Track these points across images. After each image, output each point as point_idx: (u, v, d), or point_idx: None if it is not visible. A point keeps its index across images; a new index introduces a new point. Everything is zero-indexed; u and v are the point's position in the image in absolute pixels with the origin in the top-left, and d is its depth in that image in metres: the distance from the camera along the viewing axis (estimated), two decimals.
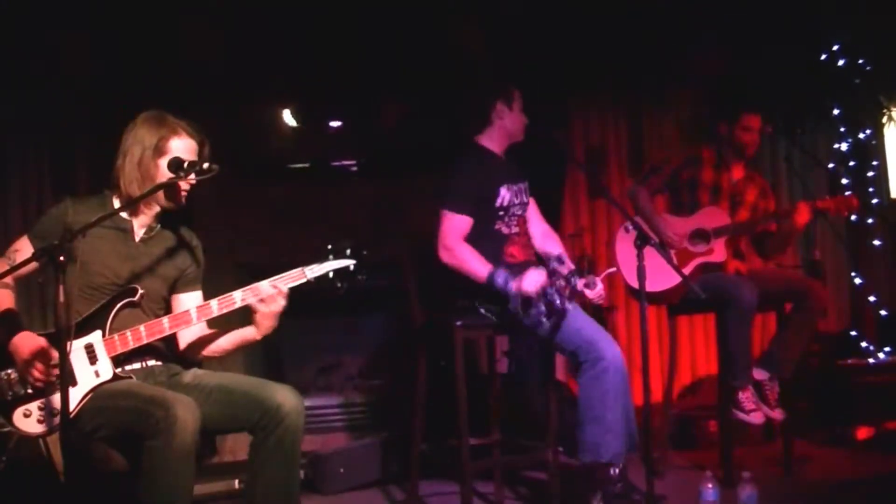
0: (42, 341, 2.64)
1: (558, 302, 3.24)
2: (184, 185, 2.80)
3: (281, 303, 2.71)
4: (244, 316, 2.82)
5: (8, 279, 2.81)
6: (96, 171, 2.89)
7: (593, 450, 3.32)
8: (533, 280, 3.30)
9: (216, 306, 2.73)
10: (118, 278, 2.79)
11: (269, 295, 2.69)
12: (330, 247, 2.72)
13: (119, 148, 2.82)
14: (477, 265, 3.41)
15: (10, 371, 2.67)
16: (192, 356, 2.95)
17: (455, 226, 3.47)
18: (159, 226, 2.91)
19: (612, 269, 3.93)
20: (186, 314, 2.75)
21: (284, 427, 2.68)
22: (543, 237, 3.78)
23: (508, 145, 3.70)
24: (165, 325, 2.74)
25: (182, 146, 2.79)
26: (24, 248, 2.79)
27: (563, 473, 3.62)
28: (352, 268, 2.72)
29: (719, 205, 4.17)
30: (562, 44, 5.19)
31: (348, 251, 2.72)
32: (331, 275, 2.71)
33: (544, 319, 3.30)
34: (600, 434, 3.30)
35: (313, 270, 2.70)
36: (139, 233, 2.87)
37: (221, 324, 2.89)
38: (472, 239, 3.49)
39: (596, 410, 3.31)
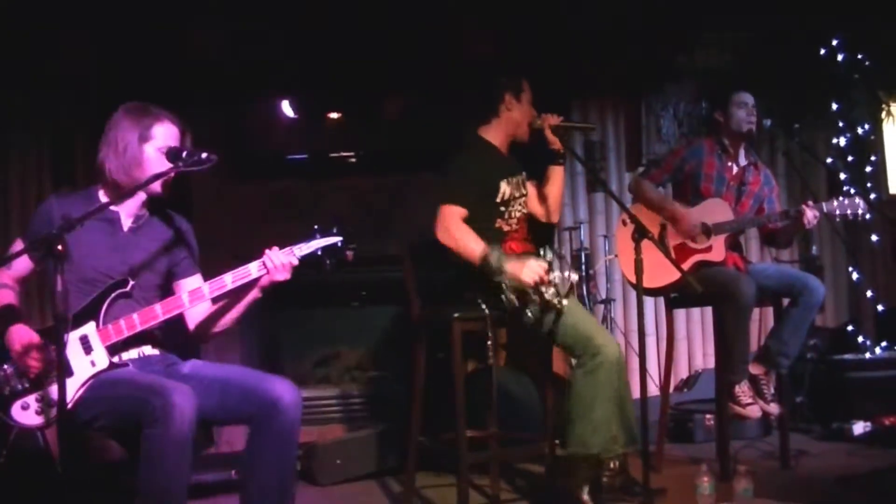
0: (34, 334, 2.65)
1: (554, 298, 3.24)
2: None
3: (286, 274, 2.74)
4: None
5: (10, 281, 2.82)
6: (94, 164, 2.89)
7: (580, 443, 3.32)
8: (531, 271, 3.30)
9: (207, 290, 2.74)
10: (109, 270, 2.78)
11: (281, 263, 2.72)
12: (316, 227, 2.78)
13: (102, 140, 2.82)
14: (472, 244, 3.38)
15: (6, 367, 2.67)
16: (203, 335, 2.96)
17: (452, 213, 3.46)
18: (147, 214, 2.90)
19: (612, 256, 3.92)
20: (178, 299, 2.76)
21: (281, 420, 2.67)
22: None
23: (511, 142, 3.67)
24: (158, 311, 2.74)
25: (165, 132, 2.80)
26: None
27: (559, 466, 3.61)
28: (339, 244, 2.76)
29: (723, 196, 4.15)
30: (562, 37, 5.18)
31: (335, 229, 2.77)
32: (319, 252, 2.76)
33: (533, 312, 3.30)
34: (588, 431, 3.29)
35: (301, 249, 2.75)
36: (127, 223, 2.86)
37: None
38: None
39: (586, 407, 3.30)
